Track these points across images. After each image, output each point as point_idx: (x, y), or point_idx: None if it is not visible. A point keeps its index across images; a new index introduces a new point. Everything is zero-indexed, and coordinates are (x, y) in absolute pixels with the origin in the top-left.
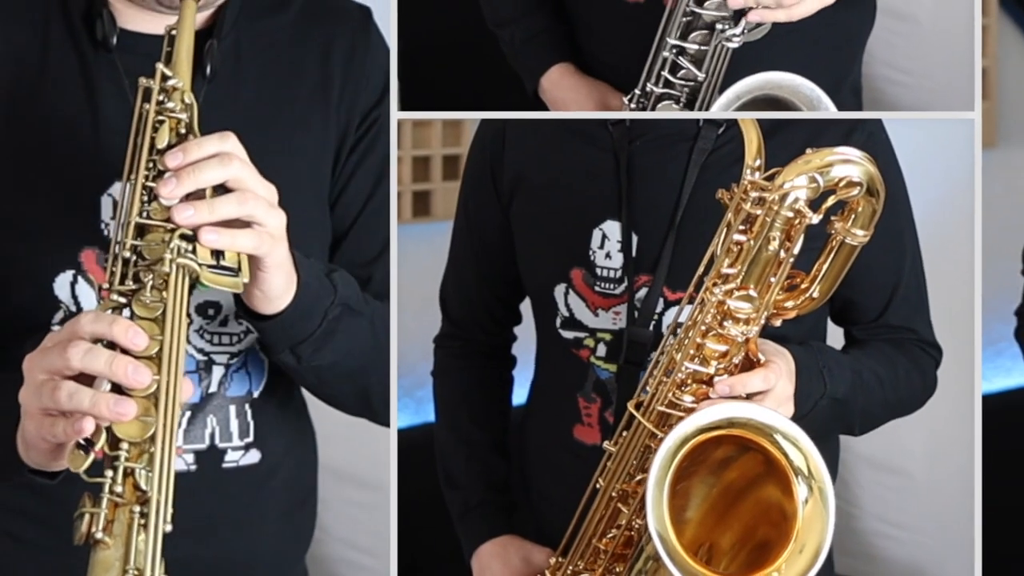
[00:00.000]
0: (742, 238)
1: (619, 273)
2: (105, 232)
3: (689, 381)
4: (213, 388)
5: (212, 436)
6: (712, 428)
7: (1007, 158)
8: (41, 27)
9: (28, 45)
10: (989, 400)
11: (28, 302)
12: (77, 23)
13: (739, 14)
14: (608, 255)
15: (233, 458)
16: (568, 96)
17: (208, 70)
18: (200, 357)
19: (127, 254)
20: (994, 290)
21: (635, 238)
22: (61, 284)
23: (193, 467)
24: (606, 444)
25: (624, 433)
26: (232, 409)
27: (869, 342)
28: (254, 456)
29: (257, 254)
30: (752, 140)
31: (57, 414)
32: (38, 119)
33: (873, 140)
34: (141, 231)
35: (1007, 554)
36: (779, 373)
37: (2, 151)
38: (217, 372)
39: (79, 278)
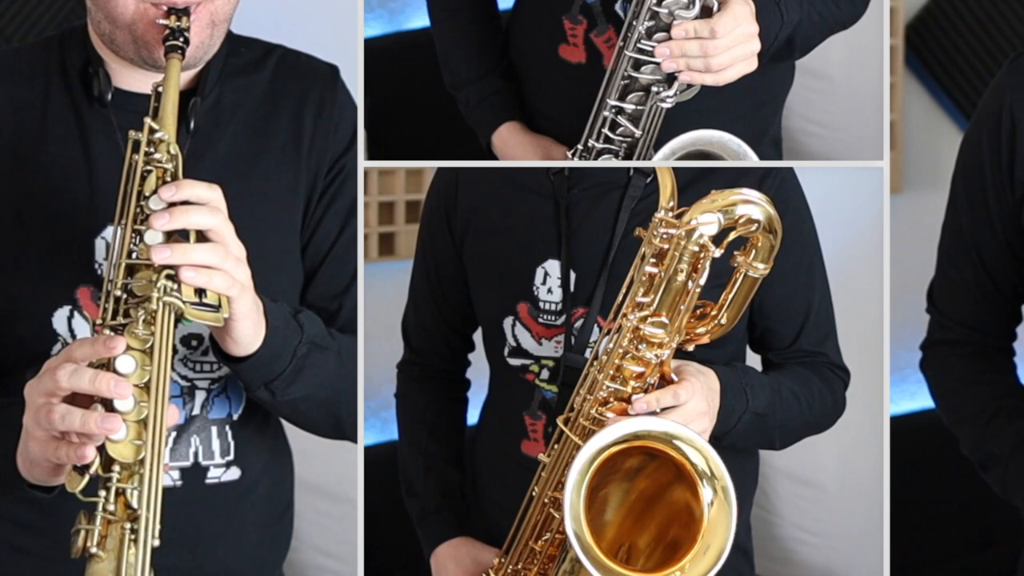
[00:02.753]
0: (654, 270)
1: (559, 306)
2: (99, 271)
3: (610, 399)
4: (196, 411)
5: (196, 454)
6: (622, 440)
7: (912, 202)
8: (42, 84)
9: (30, 101)
10: (895, 421)
11: (29, 334)
12: (75, 81)
13: (672, 77)
14: (550, 290)
15: (215, 475)
16: (516, 151)
17: (192, 125)
18: (184, 383)
19: (118, 292)
20: (901, 322)
21: (573, 275)
22: (59, 318)
23: (179, 483)
24: (541, 456)
25: (555, 446)
26: (214, 430)
27: (785, 365)
28: (235, 473)
29: (229, 295)
30: (667, 185)
31: (59, 437)
32: (39, 169)
33: (784, 185)
34: (131, 271)
35: (911, 558)
36: (691, 391)
37: (5, 198)
38: (200, 396)
39: (75, 313)
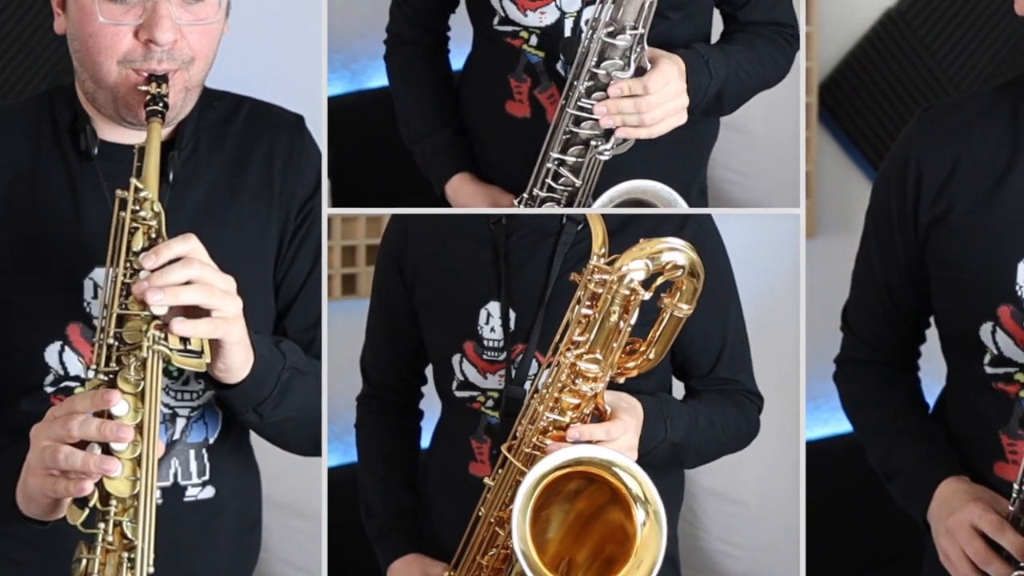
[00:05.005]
0: (589, 311)
1: (501, 343)
2: (87, 309)
3: (550, 428)
4: (176, 436)
5: (175, 475)
6: (565, 466)
7: (826, 246)
8: (34, 138)
9: (23, 153)
10: (810, 445)
11: (23, 367)
12: (64, 135)
13: (609, 132)
14: (492, 329)
15: (192, 493)
16: (467, 199)
17: (172, 176)
18: (166, 411)
19: (111, 340)
20: (815, 355)
21: (513, 315)
22: (51, 352)
23: (160, 501)
24: (486, 479)
25: (500, 471)
26: (192, 453)
27: (704, 392)
28: (210, 492)
29: (215, 337)
30: (598, 233)
31: (58, 474)
32: (31, 215)
33: (702, 229)
34: (122, 320)
35: (825, 568)
36: (623, 428)
37: (1, 242)
38: (180, 423)
39: (66, 347)
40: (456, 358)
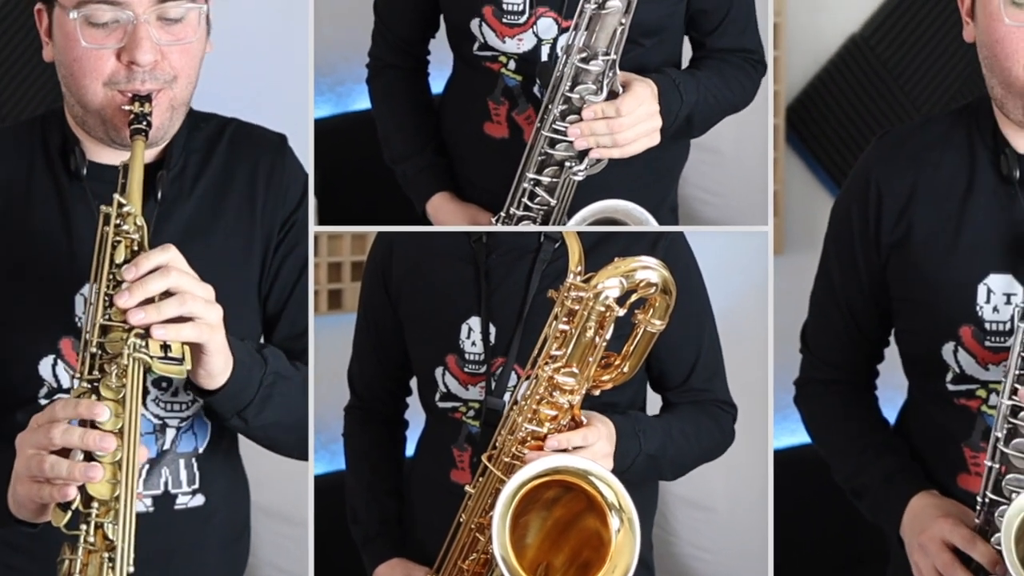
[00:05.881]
0: (566, 327)
1: (482, 357)
2: (79, 324)
3: (528, 438)
4: (167, 446)
5: (166, 484)
6: (543, 475)
7: (793, 262)
8: (27, 160)
9: (16, 174)
10: (778, 453)
11: (18, 380)
12: (55, 157)
13: (583, 153)
14: (474, 343)
15: (183, 501)
16: (447, 217)
17: (160, 194)
18: (156, 421)
19: (94, 349)
20: (783, 367)
21: (493, 329)
22: (44, 366)
23: (151, 509)
24: (467, 487)
25: (480, 479)
26: (182, 462)
27: (679, 404)
28: (200, 500)
29: (198, 342)
30: (575, 251)
31: (43, 480)
32: (24, 234)
33: (675, 246)
34: (105, 330)
35: (792, 571)
36: (598, 435)
37: None
38: (170, 433)
39: (58, 361)
40: (439, 370)
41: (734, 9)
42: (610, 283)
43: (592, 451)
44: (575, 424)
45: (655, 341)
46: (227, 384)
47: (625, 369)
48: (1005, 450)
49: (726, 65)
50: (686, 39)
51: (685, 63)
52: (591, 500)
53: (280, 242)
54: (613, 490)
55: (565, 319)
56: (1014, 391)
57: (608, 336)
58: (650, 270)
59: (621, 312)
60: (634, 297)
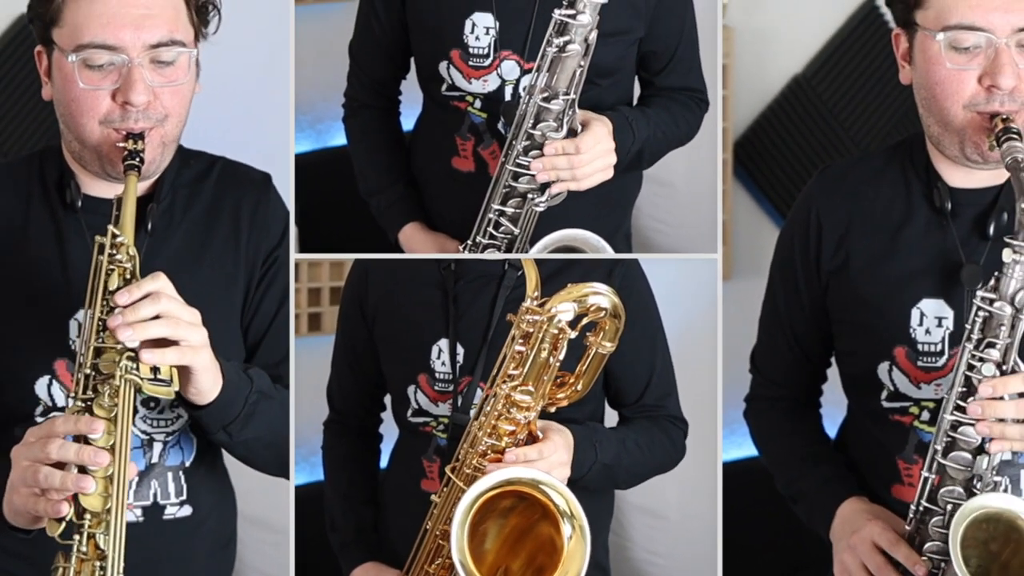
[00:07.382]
0: (522, 348)
1: (450, 376)
2: (73, 347)
3: (488, 451)
4: (155, 459)
5: (155, 495)
6: (499, 486)
7: (740, 288)
8: (24, 193)
9: (14, 207)
10: (726, 465)
11: (15, 400)
12: (51, 190)
13: (545, 186)
14: (443, 363)
15: (171, 512)
16: (417, 246)
17: (150, 226)
18: (143, 436)
19: (88, 370)
20: (731, 385)
21: (460, 350)
22: (40, 386)
23: (141, 519)
24: (432, 496)
25: (444, 489)
26: (170, 475)
27: (633, 419)
28: (187, 510)
29: (182, 364)
30: (531, 277)
31: (40, 493)
32: (22, 262)
33: (630, 272)
34: (98, 352)
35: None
36: (554, 447)
37: None
38: (157, 448)
39: (54, 381)
40: (411, 388)
41: (680, 50)
42: (563, 307)
43: (548, 462)
44: (532, 439)
45: (609, 361)
46: (216, 400)
47: (579, 387)
48: (943, 462)
49: (673, 103)
50: (636, 78)
51: (635, 100)
52: (545, 509)
53: (263, 276)
54: (565, 499)
55: (521, 341)
56: (958, 407)
57: (561, 357)
58: (601, 295)
59: (573, 335)
60: (585, 320)
